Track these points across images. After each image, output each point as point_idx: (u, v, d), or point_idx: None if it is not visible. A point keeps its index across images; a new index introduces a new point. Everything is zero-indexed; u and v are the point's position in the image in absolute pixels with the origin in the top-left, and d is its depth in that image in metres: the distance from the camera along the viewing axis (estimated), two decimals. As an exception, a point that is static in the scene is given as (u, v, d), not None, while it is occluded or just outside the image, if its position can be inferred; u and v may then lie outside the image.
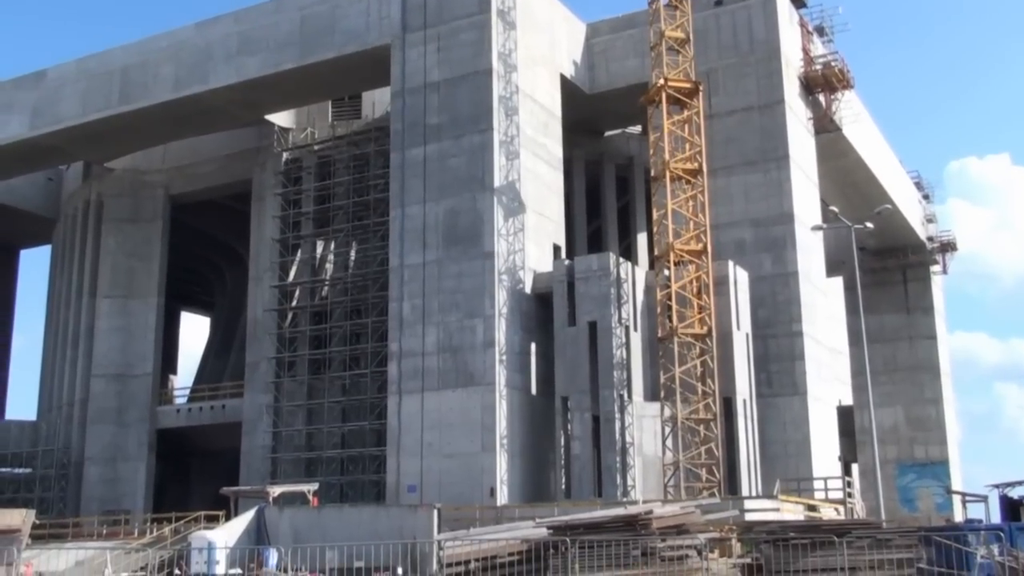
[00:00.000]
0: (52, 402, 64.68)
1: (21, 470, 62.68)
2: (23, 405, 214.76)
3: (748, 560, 23.00)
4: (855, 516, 41.97)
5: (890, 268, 72.49)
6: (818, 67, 51.67)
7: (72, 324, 63.46)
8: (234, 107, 53.68)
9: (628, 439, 41.27)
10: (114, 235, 62.74)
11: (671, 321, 41.43)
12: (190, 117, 54.78)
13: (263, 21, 51.00)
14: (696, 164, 43.21)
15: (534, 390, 43.85)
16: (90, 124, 55.67)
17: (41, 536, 41.49)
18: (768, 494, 39.60)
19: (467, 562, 21.38)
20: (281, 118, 56.95)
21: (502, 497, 40.26)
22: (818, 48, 53.04)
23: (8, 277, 74.82)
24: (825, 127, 52.51)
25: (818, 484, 43.56)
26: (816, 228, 47.25)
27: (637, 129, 57.15)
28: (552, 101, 48.22)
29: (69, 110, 56.13)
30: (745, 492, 40.68)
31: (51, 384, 65.66)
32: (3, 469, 63.06)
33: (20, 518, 23.22)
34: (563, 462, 42.44)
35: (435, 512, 33.58)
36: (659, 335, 42.34)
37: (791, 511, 36.70)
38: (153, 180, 63.27)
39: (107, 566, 31.28)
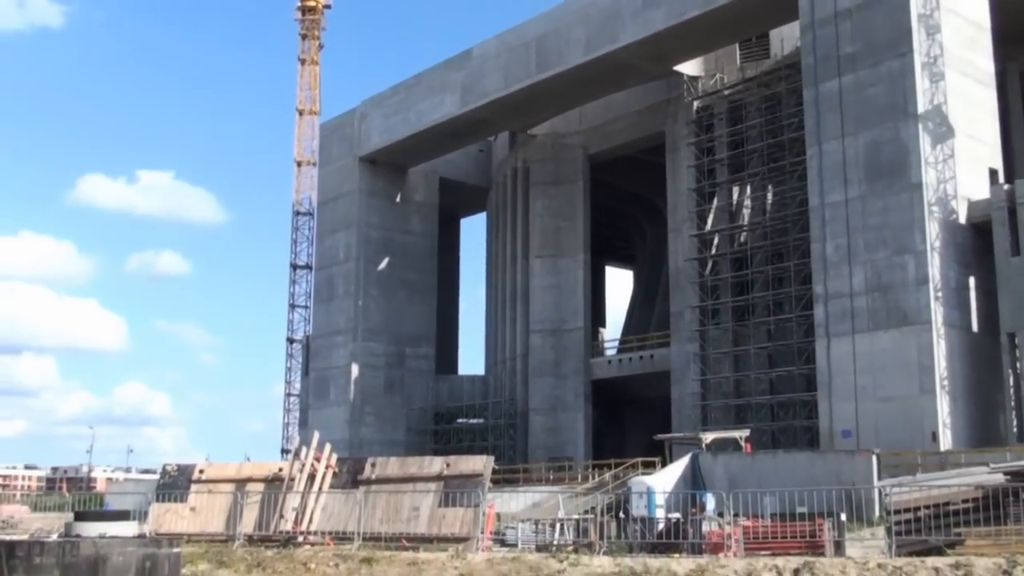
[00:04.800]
0: (497, 357, 69.96)
1: (475, 420, 68.67)
2: (471, 361, 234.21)
3: None
4: None
5: None
6: None
7: (510, 284, 68.19)
8: (643, 61, 54.62)
9: (1091, 376, 37.44)
10: (540, 198, 66.44)
11: None
12: (602, 77, 56.49)
13: (665, -27, 51.26)
14: None
15: (975, 327, 40.93)
16: (512, 95, 59.19)
17: (497, 481, 45.24)
18: None
19: (915, 509, 20.51)
20: (689, 67, 57.10)
21: (945, 442, 38.12)
22: None
23: (452, 245, 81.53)
24: None
25: None
26: None
27: (1084, 31, 51.04)
28: (979, 12, 44.26)
29: (493, 84, 60.01)
30: None
31: (495, 341, 71.00)
32: (460, 420, 69.42)
33: (482, 464, 25.39)
34: (1013, 403, 39.37)
35: (874, 458, 32.55)
36: (1124, 260, 37.86)
37: None
38: (572, 142, 66.13)
39: (559, 508, 33.51)
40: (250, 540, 26.51)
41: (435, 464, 26.56)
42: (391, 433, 68.01)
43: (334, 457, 28.21)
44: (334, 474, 27.75)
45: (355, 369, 67.53)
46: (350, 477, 27.55)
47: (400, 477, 26.61)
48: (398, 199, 71.29)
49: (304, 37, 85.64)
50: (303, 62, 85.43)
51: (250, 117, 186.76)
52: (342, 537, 25.51)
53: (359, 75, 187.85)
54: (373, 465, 27.48)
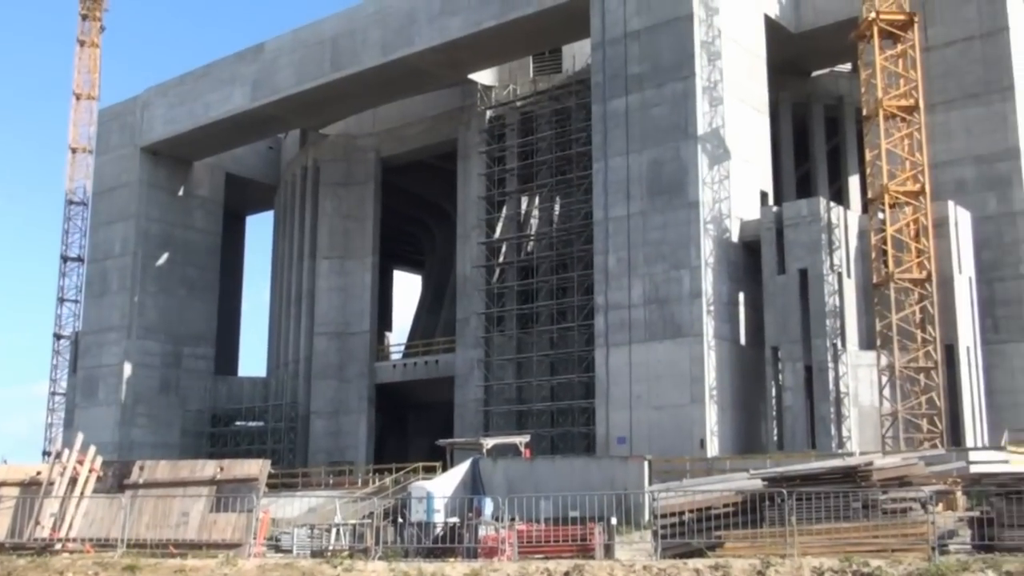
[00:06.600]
0: (280, 359, 68.43)
1: (254, 423, 66.92)
2: (252, 362, 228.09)
3: (976, 514, 21.97)
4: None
5: None
6: (1047, -11, 47.91)
7: (295, 285, 66.84)
8: (439, 68, 54.83)
9: (843, 389, 40.13)
10: (330, 198, 65.51)
11: (887, 266, 39.84)
12: (397, 80, 56.34)
13: (463, -19, 51.64)
14: (912, 100, 41.14)
15: (743, 340, 43.18)
16: (305, 92, 58.16)
17: (274, 485, 44.18)
18: (995, 445, 37.65)
19: (681, 513, 21.29)
20: (484, 76, 57.76)
21: (712, 449, 39.99)
22: (1047, -32, 49.14)
23: (236, 242, 79.18)
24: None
25: (1053, 435, 41.02)
26: (1047, 163, 44.06)
27: (847, 67, 54.85)
28: (756, 43, 46.84)
29: (285, 80, 58.77)
30: (970, 443, 38.87)
31: (278, 342, 69.45)
32: (238, 422, 67.49)
33: (258, 468, 24.64)
34: (775, 413, 41.73)
35: (646, 464, 33.73)
36: (874, 281, 40.77)
37: (1022, 463, 34.75)
38: (364, 144, 65.57)
39: (336, 514, 33.00)
40: (1, 548, 24.77)
41: (208, 468, 25.57)
42: (165, 435, 65.33)
43: (99, 460, 26.74)
44: (98, 478, 26.27)
45: (128, 368, 64.54)
46: (116, 481, 26.14)
47: (170, 481, 25.47)
48: (181, 193, 68.70)
49: (85, 17, 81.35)
50: (82, 44, 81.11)
51: (20, 98, 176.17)
52: (105, 544, 24.18)
53: (143, 62, 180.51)
54: (141, 468, 26.20)
